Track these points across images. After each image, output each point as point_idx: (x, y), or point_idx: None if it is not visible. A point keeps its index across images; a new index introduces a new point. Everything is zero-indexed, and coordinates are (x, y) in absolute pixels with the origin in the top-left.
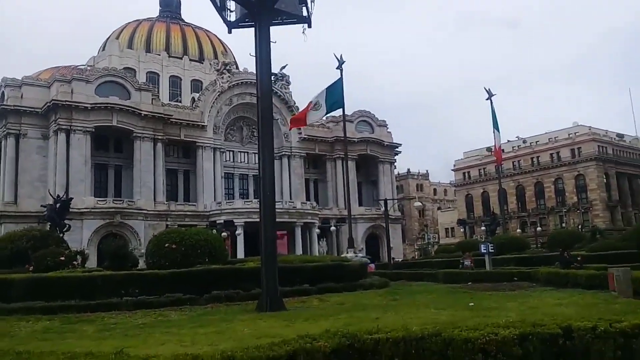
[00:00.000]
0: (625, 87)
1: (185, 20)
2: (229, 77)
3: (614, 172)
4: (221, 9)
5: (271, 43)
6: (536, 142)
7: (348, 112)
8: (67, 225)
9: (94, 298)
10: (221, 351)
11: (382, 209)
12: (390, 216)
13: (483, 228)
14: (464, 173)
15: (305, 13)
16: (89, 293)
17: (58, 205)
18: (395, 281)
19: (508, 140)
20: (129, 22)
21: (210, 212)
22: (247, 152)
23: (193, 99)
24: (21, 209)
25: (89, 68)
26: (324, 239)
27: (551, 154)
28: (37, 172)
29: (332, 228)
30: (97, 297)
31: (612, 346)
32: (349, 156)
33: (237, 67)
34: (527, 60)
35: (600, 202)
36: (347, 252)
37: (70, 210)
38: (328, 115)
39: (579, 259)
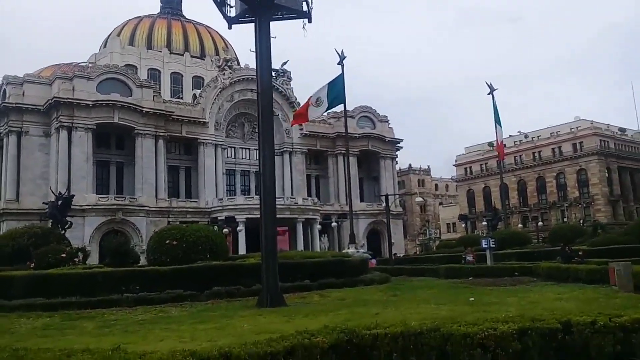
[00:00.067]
0: (627, 81)
1: (187, 17)
2: (230, 73)
3: (615, 166)
4: (221, 4)
5: (271, 38)
6: (538, 136)
7: (349, 107)
8: (69, 223)
9: (94, 295)
10: (219, 347)
11: (384, 204)
12: (391, 212)
13: (484, 223)
14: (465, 168)
15: (305, 8)
16: (90, 290)
17: (60, 202)
18: (397, 277)
19: (510, 135)
20: (130, 19)
21: (212, 209)
22: (249, 149)
23: (194, 95)
24: (23, 207)
25: (90, 65)
26: (326, 235)
27: (553, 149)
28: (39, 170)
29: (334, 224)
30: (97, 293)
31: (612, 341)
32: (351, 152)
33: (238, 63)
34: (528, 55)
35: (602, 196)
36: (349, 248)
37: (72, 207)
38: (329, 111)
39: (580, 253)
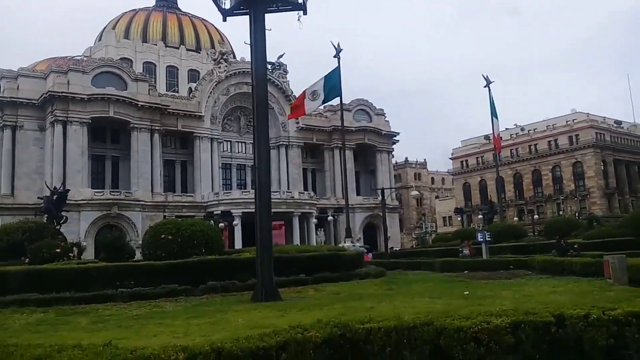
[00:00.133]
0: (624, 73)
1: (182, 10)
2: (226, 66)
3: (611, 159)
4: None
5: (266, 31)
6: (534, 129)
7: (345, 100)
8: (64, 217)
9: (89, 290)
10: (210, 342)
11: (380, 198)
12: (387, 205)
13: (480, 216)
14: (461, 161)
15: (300, 0)
16: (84, 285)
17: (55, 197)
18: (392, 270)
19: (506, 128)
20: (125, 12)
21: (208, 203)
22: (245, 142)
23: (190, 89)
24: (18, 201)
25: (85, 59)
26: (322, 229)
27: (549, 142)
28: (34, 164)
29: (330, 218)
30: (92, 288)
31: (605, 334)
32: (347, 145)
33: (234, 57)
34: (525, 48)
35: (598, 189)
36: (345, 242)
37: (67, 202)
38: (326, 104)
39: (575, 246)
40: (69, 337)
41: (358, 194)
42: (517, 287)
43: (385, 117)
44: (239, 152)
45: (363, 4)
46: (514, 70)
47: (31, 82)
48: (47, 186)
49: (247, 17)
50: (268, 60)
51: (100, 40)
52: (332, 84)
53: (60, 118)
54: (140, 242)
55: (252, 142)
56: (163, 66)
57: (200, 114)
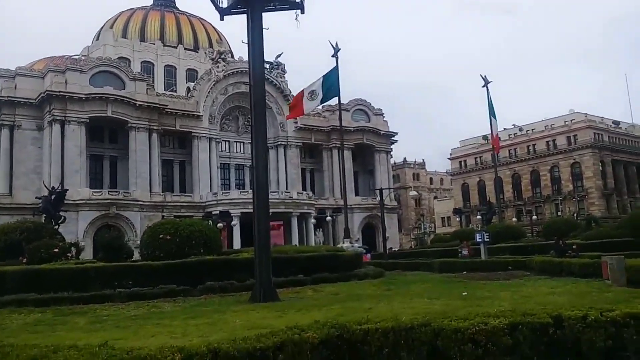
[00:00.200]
0: (625, 71)
1: (180, 9)
2: (224, 66)
3: (609, 159)
4: None
5: (264, 30)
6: (532, 129)
7: (344, 100)
8: (62, 217)
9: (87, 290)
10: (207, 343)
11: (378, 198)
12: (386, 206)
13: (479, 217)
14: (460, 162)
15: None
16: (82, 285)
17: (53, 196)
18: (391, 271)
19: (504, 129)
20: (123, 11)
21: (207, 203)
22: (243, 142)
23: (188, 88)
24: (16, 201)
25: (83, 58)
26: (321, 229)
27: (547, 142)
28: (32, 164)
29: (328, 218)
30: (90, 289)
31: (603, 335)
32: (345, 145)
33: (232, 56)
34: (523, 47)
35: (596, 190)
36: (343, 242)
37: (66, 201)
38: (324, 104)
39: (574, 247)
40: (66, 338)
41: (357, 194)
42: (516, 288)
43: (384, 117)
44: (237, 152)
45: (361, 4)
46: (510, 69)
47: (29, 82)
48: (45, 186)
49: (245, 16)
50: (266, 60)
51: (98, 39)
52: (330, 83)
53: (58, 117)
54: (139, 242)
55: (250, 142)
56: (161, 65)
57: (198, 113)
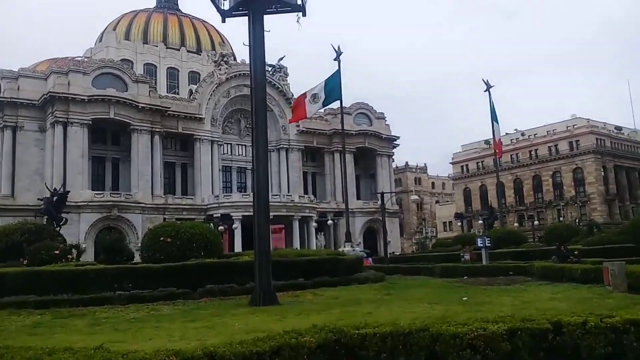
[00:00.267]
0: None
1: (183, 11)
2: (227, 68)
3: (612, 165)
4: None
5: (265, 32)
6: (534, 135)
7: (346, 104)
8: (64, 219)
9: (86, 292)
10: (203, 347)
11: (380, 202)
12: (388, 210)
13: (481, 222)
14: (462, 166)
15: (299, 1)
16: (82, 287)
17: (55, 198)
18: (392, 275)
19: (506, 133)
20: (126, 13)
21: (208, 206)
22: (245, 145)
23: (190, 91)
24: (18, 203)
25: (86, 60)
26: (322, 233)
27: (549, 147)
28: (35, 165)
29: (330, 222)
30: (90, 291)
31: (603, 342)
32: (347, 149)
33: (234, 59)
34: (525, 51)
35: (598, 195)
36: (345, 246)
37: (67, 203)
38: (326, 107)
39: (575, 253)
40: (65, 340)
41: (358, 198)
42: (516, 293)
43: (386, 120)
44: (239, 155)
45: (362, 7)
46: (512, 73)
47: (32, 83)
48: (47, 187)
49: (247, 18)
50: (269, 62)
51: (100, 41)
52: (332, 87)
53: (60, 119)
54: (140, 244)
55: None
56: (164, 68)
57: (200, 116)
